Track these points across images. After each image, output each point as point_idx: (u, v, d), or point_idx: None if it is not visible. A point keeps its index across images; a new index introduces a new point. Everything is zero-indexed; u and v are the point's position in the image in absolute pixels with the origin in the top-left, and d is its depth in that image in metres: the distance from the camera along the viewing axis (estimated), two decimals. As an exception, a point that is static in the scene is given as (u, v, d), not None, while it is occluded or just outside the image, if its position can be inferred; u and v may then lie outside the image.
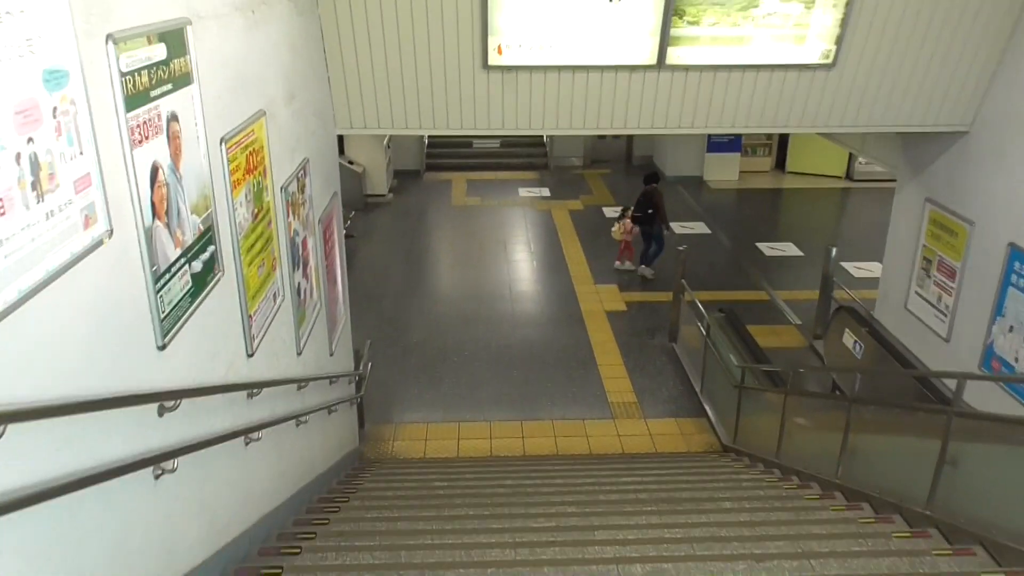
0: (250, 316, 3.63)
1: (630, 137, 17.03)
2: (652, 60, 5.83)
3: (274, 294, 4.08)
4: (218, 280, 3.21)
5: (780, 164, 16.32)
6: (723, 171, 15.59)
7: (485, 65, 5.78)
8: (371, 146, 13.86)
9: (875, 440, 4.84)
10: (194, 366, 2.97)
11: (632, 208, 11.03)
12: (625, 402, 7.90)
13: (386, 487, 5.38)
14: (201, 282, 3.03)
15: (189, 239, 2.91)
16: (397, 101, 5.90)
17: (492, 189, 15.22)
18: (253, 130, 3.71)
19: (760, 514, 4.32)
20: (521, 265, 11.55)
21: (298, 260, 4.64)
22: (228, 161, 3.33)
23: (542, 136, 16.82)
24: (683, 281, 8.66)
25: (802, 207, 14.61)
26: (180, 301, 2.81)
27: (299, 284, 4.65)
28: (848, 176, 15.61)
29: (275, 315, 4.09)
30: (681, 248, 8.71)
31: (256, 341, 3.74)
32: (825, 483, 5.01)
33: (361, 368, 6.88)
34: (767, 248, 12.09)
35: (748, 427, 6.75)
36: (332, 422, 5.78)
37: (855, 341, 7.57)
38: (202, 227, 3.05)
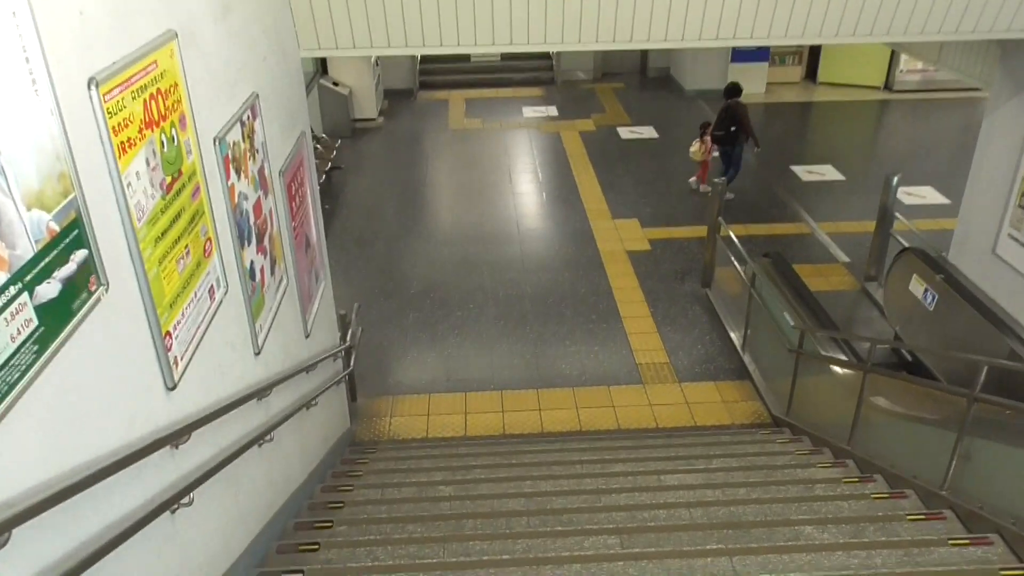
0: (167, 334, 2.53)
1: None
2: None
3: (210, 289, 2.97)
4: (97, 300, 2.11)
5: (811, 74, 14.81)
6: (749, 83, 13.96)
7: (488, -39, 4.49)
8: (358, 64, 12.41)
9: (1004, 450, 3.82)
10: (53, 449, 1.90)
11: (711, 124, 9.93)
12: (655, 363, 6.88)
13: (380, 498, 4.41)
14: (61, 314, 1.92)
15: (25, 252, 1.78)
16: (376, 12, 4.61)
17: (493, 109, 13.82)
18: (156, 61, 2.52)
19: (860, 554, 3.34)
20: (529, 198, 10.35)
21: (249, 233, 3.50)
22: (106, 114, 2.17)
23: (547, 48, 15.25)
24: (720, 219, 7.50)
25: (839, 123, 13.23)
26: (10, 361, 1.71)
27: (252, 264, 3.54)
28: (887, 87, 14.14)
29: (214, 316, 3.00)
30: (719, 180, 7.50)
31: (182, 364, 2.66)
32: (925, 493, 4.03)
33: (348, 339, 5.83)
34: (803, 172, 10.84)
35: (807, 399, 5.75)
36: (313, 414, 4.77)
37: (925, 289, 6.48)
38: (56, 227, 1.92)
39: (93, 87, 2.10)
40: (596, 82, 15.27)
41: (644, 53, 15.46)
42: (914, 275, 6.63)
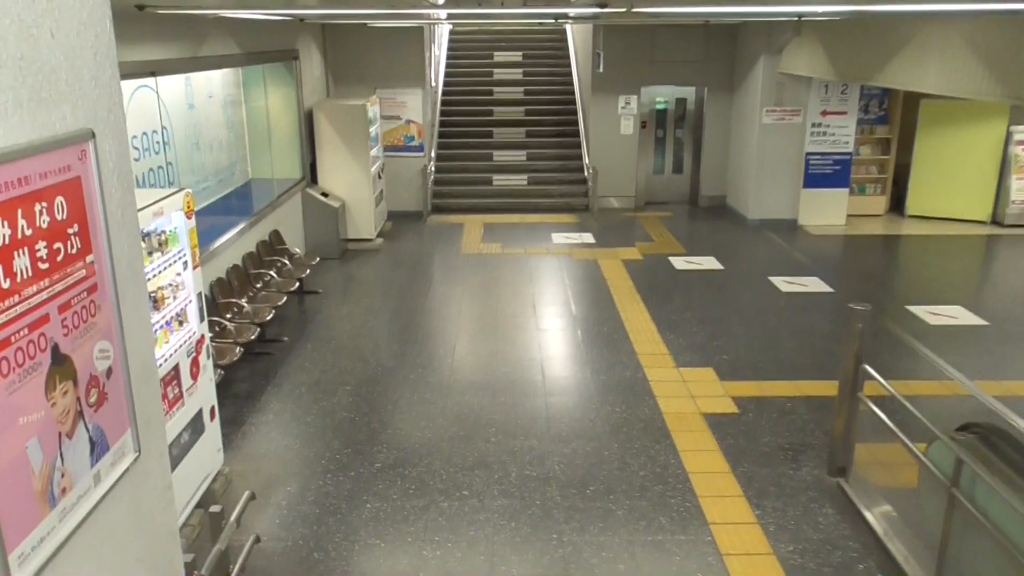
0: None
1: (695, 174, 13.35)
2: None
3: None
4: None
5: (896, 206, 12.49)
6: (825, 213, 11.77)
7: None
8: (354, 175, 10.29)
9: None
10: None
11: None
12: (780, 614, 3.91)
13: None
14: None
15: None
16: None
17: (517, 234, 11.52)
18: None
19: None
20: (559, 335, 7.71)
21: None
22: None
23: (582, 169, 13.21)
24: (865, 366, 4.75)
25: (949, 260, 10.65)
26: None
27: None
28: (995, 221, 11.72)
29: None
30: (861, 307, 4.81)
31: None
32: None
33: (208, 562, 3.01)
34: (927, 313, 8.13)
35: None
36: None
37: None
38: None
39: None
40: (638, 211, 13.05)
41: (695, 179, 13.35)
42: None
